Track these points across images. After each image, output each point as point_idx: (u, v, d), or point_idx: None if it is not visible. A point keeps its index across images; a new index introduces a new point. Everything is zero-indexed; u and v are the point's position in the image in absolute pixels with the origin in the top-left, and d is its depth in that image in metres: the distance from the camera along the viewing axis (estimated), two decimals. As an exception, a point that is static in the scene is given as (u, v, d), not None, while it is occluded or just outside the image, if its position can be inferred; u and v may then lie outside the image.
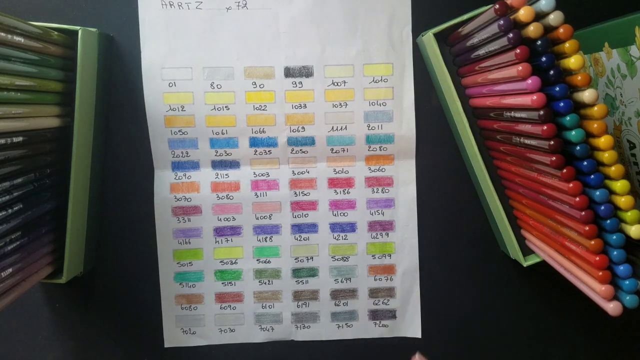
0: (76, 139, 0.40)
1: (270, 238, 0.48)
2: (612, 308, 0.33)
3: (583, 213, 0.33)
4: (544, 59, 0.32)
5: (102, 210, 0.47)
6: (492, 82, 0.37)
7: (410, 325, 0.49)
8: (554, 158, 0.33)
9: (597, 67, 0.41)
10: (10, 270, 0.36)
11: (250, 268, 0.48)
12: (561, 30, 0.31)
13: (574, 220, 0.34)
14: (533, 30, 0.32)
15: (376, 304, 0.49)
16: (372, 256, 0.48)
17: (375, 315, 0.49)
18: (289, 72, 0.46)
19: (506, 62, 0.34)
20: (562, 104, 0.32)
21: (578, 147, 0.32)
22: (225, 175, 0.47)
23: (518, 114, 0.35)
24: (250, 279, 0.48)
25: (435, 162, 0.48)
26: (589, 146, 0.32)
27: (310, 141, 0.47)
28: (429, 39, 0.42)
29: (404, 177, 0.48)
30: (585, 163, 0.32)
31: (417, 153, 0.47)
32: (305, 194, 0.48)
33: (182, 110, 0.46)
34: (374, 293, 0.48)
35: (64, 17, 0.45)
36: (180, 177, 0.47)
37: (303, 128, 0.46)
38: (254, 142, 0.47)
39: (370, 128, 0.47)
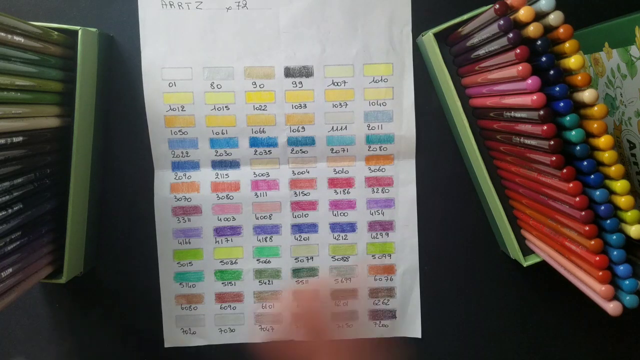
0: (76, 139, 0.40)
1: (270, 238, 0.48)
2: (612, 308, 0.33)
3: (583, 213, 0.33)
4: (544, 59, 0.32)
5: (102, 210, 0.47)
6: (492, 82, 0.37)
7: (410, 325, 0.49)
8: (554, 158, 0.33)
9: (597, 67, 0.41)
10: (10, 270, 0.36)
11: (250, 268, 0.48)
12: (561, 30, 0.31)
13: (574, 220, 0.34)
14: (533, 30, 0.32)
15: (376, 304, 0.49)
16: (372, 256, 0.48)
17: (375, 315, 0.49)
18: (289, 72, 0.46)
19: (506, 62, 0.34)
20: (562, 104, 0.32)
21: (578, 147, 0.32)
22: (225, 175, 0.47)
23: (518, 114, 0.35)
24: (250, 279, 0.48)
25: (435, 162, 0.48)
26: (589, 146, 0.32)
27: (310, 141, 0.47)
28: (429, 39, 0.42)
29: (404, 177, 0.48)
30: (585, 163, 0.32)
31: (417, 153, 0.47)
32: (305, 194, 0.48)
33: (182, 110, 0.46)
34: (374, 293, 0.48)
35: (64, 17, 0.45)
36: (180, 177, 0.47)
37: (303, 128, 0.46)
38: (254, 142, 0.47)
39: (370, 128, 0.47)
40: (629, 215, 0.32)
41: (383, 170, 0.47)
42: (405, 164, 0.47)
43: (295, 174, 0.47)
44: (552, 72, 0.32)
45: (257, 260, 0.48)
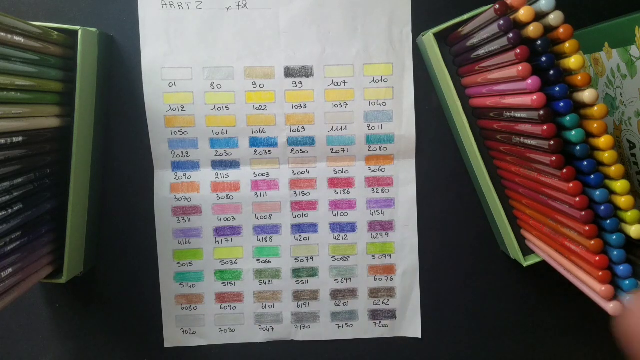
0: (76, 139, 0.40)
1: (270, 238, 0.48)
2: (612, 308, 0.33)
3: (583, 213, 0.33)
4: (544, 59, 0.32)
5: (102, 210, 0.47)
6: (492, 82, 0.37)
7: (410, 325, 0.49)
8: (554, 158, 0.33)
9: (597, 67, 0.41)
10: (10, 270, 0.36)
11: (250, 268, 0.48)
12: (561, 30, 0.31)
13: (574, 220, 0.34)
14: (533, 30, 0.32)
15: (376, 304, 0.49)
16: (372, 256, 0.48)
17: (375, 315, 0.49)
18: (289, 72, 0.46)
19: (506, 62, 0.34)
20: (562, 104, 0.32)
21: (578, 147, 0.32)
22: (225, 175, 0.47)
23: (518, 114, 0.35)
24: (250, 279, 0.48)
25: (435, 162, 0.48)
26: (589, 146, 0.32)
27: (310, 141, 0.47)
28: (429, 39, 0.42)
29: (404, 177, 0.48)
30: (585, 163, 0.32)
31: (417, 153, 0.47)
32: (305, 194, 0.48)
33: (182, 110, 0.46)
34: (374, 293, 0.48)
35: (64, 17, 0.45)
36: (180, 177, 0.47)
37: (303, 128, 0.46)
38: (254, 142, 0.47)
39: (370, 128, 0.47)
40: (629, 215, 0.32)
41: (383, 170, 0.47)
42: (405, 164, 0.47)
43: (295, 174, 0.47)
44: (552, 72, 0.32)
45: (257, 260, 0.48)
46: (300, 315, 0.49)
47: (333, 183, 0.47)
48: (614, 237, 0.32)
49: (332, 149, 0.47)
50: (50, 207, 0.41)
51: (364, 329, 0.49)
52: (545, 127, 0.32)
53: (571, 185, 0.32)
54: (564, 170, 0.33)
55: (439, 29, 0.42)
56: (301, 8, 0.45)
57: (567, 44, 0.31)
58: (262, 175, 0.47)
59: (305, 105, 0.46)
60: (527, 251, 0.44)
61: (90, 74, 0.42)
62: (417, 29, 0.46)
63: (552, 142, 0.32)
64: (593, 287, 0.34)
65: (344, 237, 0.48)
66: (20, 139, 0.36)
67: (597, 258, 0.33)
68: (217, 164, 0.47)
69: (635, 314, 0.23)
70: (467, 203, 0.48)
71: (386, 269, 0.48)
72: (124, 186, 0.47)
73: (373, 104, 0.46)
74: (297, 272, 0.48)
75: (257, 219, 0.48)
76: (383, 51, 0.46)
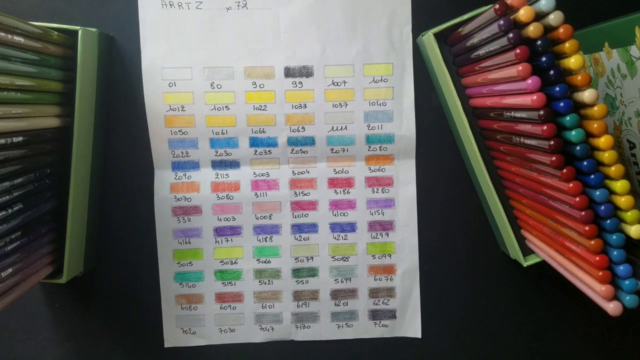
0: (76, 139, 0.40)
1: (270, 238, 0.48)
2: (612, 308, 0.33)
3: (583, 213, 0.33)
4: (544, 59, 0.32)
5: (102, 210, 0.47)
6: (492, 82, 0.37)
7: (410, 325, 0.49)
8: (554, 158, 0.33)
9: (597, 67, 0.41)
10: (10, 270, 0.36)
11: (250, 268, 0.48)
12: (561, 30, 0.31)
13: (574, 220, 0.34)
14: (533, 30, 0.32)
15: (376, 304, 0.49)
16: (372, 256, 0.48)
17: (375, 315, 0.49)
18: (289, 72, 0.46)
19: (506, 62, 0.34)
20: (562, 104, 0.32)
21: (578, 147, 0.32)
22: (225, 175, 0.47)
23: (518, 114, 0.35)
24: (250, 279, 0.48)
25: (435, 162, 0.48)
26: (589, 146, 0.32)
27: (310, 141, 0.47)
28: (429, 39, 0.42)
29: (404, 177, 0.48)
30: (585, 163, 0.32)
31: (417, 153, 0.47)
32: (305, 194, 0.48)
33: (182, 110, 0.46)
34: (374, 293, 0.48)
35: (64, 17, 0.45)
36: (180, 177, 0.47)
37: (303, 128, 0.46)
38: (254, 142, 0.47)
39: (370, 128, 0.47)
40: (629, 215, 0.32)
41: (383, 170, 0.47)
42: (405, 164, 0.47)
43: (295, 174, 0.47)
44: (552, 72, 0.32)
45: (257, 260, 0.48)
46: (300, 315, 0.49)
47: (333, 183, 0.47)
48: (614, 237, 0.32)
49: (332, 149, 0.47)
50: (50, 207, 0.41)
51: (364, 329, 0.49)
52: (545, 127, 0.32)
53: (571, 185, 0.32)
54: (564, 170, 0.33)
55: (439, 29, 0.42)
56: (301, 8, 0.45)
57: (567, 44, 0.31)
58: (262, 175, 0.47)
59: (305, 105, 0.46)
60: (527, 251, 0.44)
61: (90, 74, 0.42)
62: (417, 29, 0.46)
63: (552, 142, 0.32)
64: (593, 287, 0.34)
65: (344, 237, 0.48)
66: (20, 139, 0.36)
67: (597, 258, 0.33)
68: (217, 164, 0.47)
69: None
70: (467, 203, 0.48)
71: (386, 269, 0.48)
72: (124, 186, 0.47)
73: (373, 104, 0.46)
74: (297, 272, 0.48)
75: (257, 219, 0.48)
76: (383, 51, 0.46)
